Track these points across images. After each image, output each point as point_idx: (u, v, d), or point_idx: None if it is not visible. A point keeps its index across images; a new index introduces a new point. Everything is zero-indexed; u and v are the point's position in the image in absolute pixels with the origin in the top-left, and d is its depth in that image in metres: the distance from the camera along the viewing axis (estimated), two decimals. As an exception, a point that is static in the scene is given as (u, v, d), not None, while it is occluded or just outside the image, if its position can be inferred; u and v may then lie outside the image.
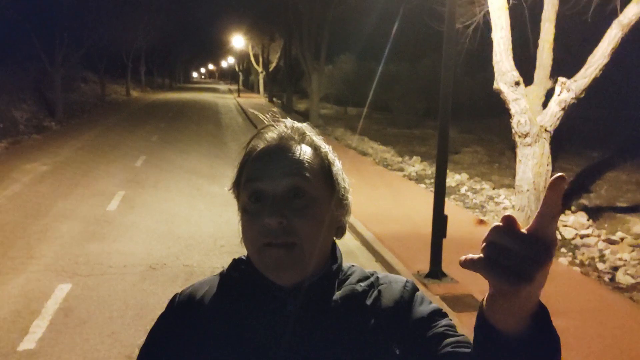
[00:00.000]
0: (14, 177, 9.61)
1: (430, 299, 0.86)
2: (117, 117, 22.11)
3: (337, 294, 0.89)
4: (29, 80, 20.96)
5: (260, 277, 0.87)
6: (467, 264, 0.61)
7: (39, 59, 19.62)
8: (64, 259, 5.71)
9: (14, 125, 16.15)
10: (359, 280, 0.92)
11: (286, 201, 0.83)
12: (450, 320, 0.90)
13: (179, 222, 7.26)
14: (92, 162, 11.43)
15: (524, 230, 0.58)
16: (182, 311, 0.93)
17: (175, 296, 0.98)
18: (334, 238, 0.94)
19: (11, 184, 9.12)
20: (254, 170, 0.87)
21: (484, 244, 0.60)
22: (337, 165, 0.92)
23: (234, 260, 0.95)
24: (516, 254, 0.57)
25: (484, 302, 0.65)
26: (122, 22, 26.23)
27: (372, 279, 0.94)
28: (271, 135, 0.90)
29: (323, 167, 0.89)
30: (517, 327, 0.63)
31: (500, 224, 0.60)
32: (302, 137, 0.90)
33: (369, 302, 0.90)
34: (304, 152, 0.87)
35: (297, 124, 0.92)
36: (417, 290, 0.95)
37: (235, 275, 0.93)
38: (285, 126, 0.91)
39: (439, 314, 0.91)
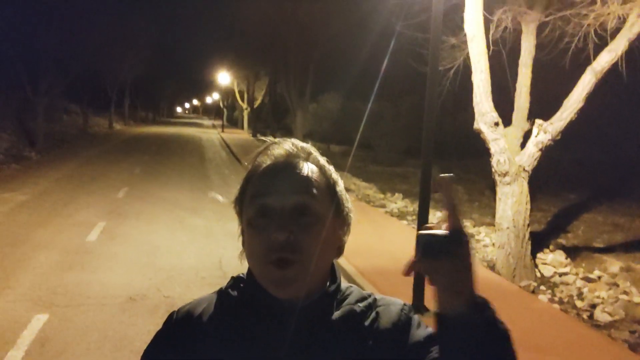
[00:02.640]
0: (-9, 206, 9.44)
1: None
2: (99, 149, 21.98)
3: (336, 314, 0.90)
4: (10, 109, 20.79)
5: (260, 295, 0.88)
6: (408, 270, 0.79)
7: (22, 87, 19.54)
8: (41, 288, 5.59)
9: (-7, 154, 15.94)
10: (358, 301, 0.93)
11: (293, 218, 0.85)
12: None
13: (161, 253, 7.19)
14: (73, 193, 11.30)
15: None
16: (179, 329, 0.93)
17: (172, 313, 0.97)
18: (335, 259, 0.95)
19: (-12, 212, 8.95)
20: (262, 186, 0.88)
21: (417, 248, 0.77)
22: (341, 185, 0.95)
23: (233, 278, 0.96)
24: (439, 240, 0.75)
25: (435, 306, 0.77)
26: (108, 55, 26.42)
27: (370, 300, 0.95)
28: (278, 152, 0.92)
29: (329, 185, 0.91)
30: (460, 308, 0.75)
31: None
32: (308, 156, 0.93)
33: (367, 323, 0.91)
34: (311, 170, 0.89)
35: (303, 143, 0.95)
36: (414, 313, 0.96)
37: (234, 292, 0.93)
38: (292, 144, 0.94)
39: (435, 339, 0.91)
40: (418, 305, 5.16)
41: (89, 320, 4.89)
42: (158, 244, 7.64)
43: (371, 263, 6.91)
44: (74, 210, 9.59)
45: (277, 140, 0.95)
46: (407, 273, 0.78)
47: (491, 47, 7.11)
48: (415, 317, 0.95)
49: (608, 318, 5.48)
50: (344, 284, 0.98)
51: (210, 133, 39.48)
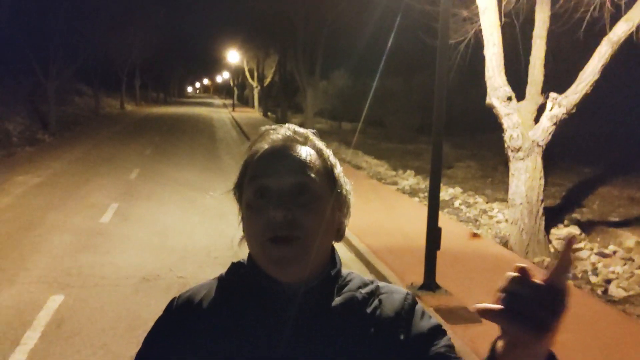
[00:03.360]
0: (6, 189, 9.56)
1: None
2: (111, 131, 22.10)
3: (337, 300, 0.89)
4: (23, 93, 20.95)
5: (260, 281, 0.88)
6: (486, 314, 0.62)
7: (33, 71, 19.65)
8: (56, 270, 5.67)
9: (7, 137, 16.10)
10: (359, 287, 0.93)
11: (291, 197, 0.85)
12: (450, 339, 0.91)
13: (173, 234, 7.24)
14: (86, 175, 11.39)
15: (538, 281, 0.62)
16: (180, 315, 0.93)
17: (173, 300, 0.97)
18: (334, 242, 0.94)
19: (3, 196, 9.07)
20: (260, 168, 0.88)
21: (502, 294, 0.63)
22: (339, 168, 0.94)
23: (233, 263, 0.95)
24: (536, 304, 0.60)
25: (497, 350, 0.67)
26: (117, 36, 26.36)
27: (372, 286, 0.94)
28: (276, 136, 0.92)
29: (326, 168, 0.91)
30: None
31: (516, 274, 0.63)
32: (306, 140, 0.92)
33: (369, 310, 0.90)
34: (309, 153, 0.90)
35: (301, 128, 0.94)
36: (417, 303, 0.95)
37: (234, 278, 0.93)
38: (289, 129, 0.93)
39: (439, 331, 0.91)
40: (430, 283, 5.15)
41: (103, 300, 4.96)
42: (170, 225, 7.70)
43: (383, 241, 6.90)
44: (87, 192, 9.68)
45: (274, 126, 0.95)
46: (481, 313, 0.63)
47: (503, 19, 6.93)
48: (419, 307, 0.94)
49: (623, 293, 5.42)
50: (344, 269, 0.97)
51: (221, 112, 39.48)
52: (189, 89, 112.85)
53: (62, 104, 23.66)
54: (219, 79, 74.18)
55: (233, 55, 36.53)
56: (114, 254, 6.29)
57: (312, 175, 0.87)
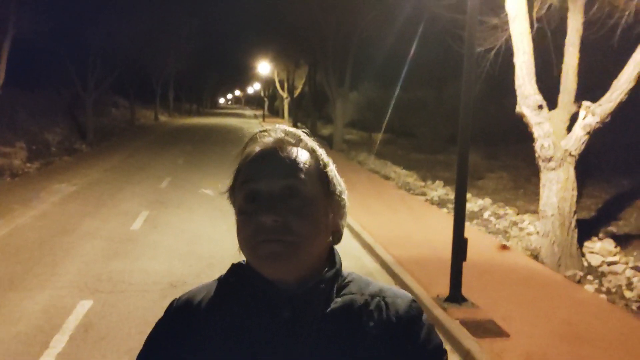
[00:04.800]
0: (42, 197, 9.88)
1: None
2: (145, 141, 22.63)
3: (337, 302, 0.88)
4: (63, 104, 21.71)
5: (258, 282, 0.87)
6: None
7: (73, 84, 20.35)
8: (87, 276, 5.81)
9: (46, 147, 16.68)
10: (360, 290, 0.92)
11: (282, 200, 0.84)
12: None
13: (201, 241, 7.33)
14: (119, 183, 11.68)
15: None
16: (179, 316, 0.93)
17: (172, 302, 0.97)
18: (333, 244, 0.93)
19: (40, 203, 9.38)
20: (250, 172, 0.88)
21: None
22: (332, 167, 0.93)
23: (233, 265, 0.95)
24: None
25: None
26: (153, 49, 27.06)
27: (374, 289, 0.93)
28: (267, 139, 0.91)
29: (318, 168, 0.90)
30: None
31: None
32: (298, 141, 0.91)
33: (372, 313, 0.89)
34: (300, 154, 0.89)
35: (292, 129, 0.93)
36: (423, 313, 0.93)
37: (233, 280, 0.93)
38: (280, 130, 0.92)
39: (442, 353, 0.92)
40: (455, 295, 5.05)
41: (131, 306, 5.05)
42: (199, 232, 7.80)
43: (409, 252, 6.81)
44: (120, 199, 9.92)
45: (266, 128, 0.95)
46: None
47: (535, 26, 6.80)
48: (425, 319, 0.93)
49: (660, 309, 5.19)
50: (345, 270, 0.95)
51: (251, 123, 39.93)
52: (221, 100, 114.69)
53: (100, 115, 24.40)
54: (250, 90, 75.17)
55: (264, 67, 36.98)
56: (143, 261, 6.41)
57: (303, 176, 0.86)
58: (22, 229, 7.63)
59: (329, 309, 0.87)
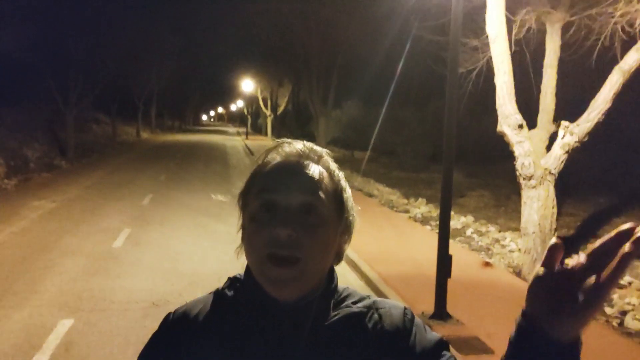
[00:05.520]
0: (22, 214, 9.70)
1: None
2: (127, 157, 22.42)
3: (335, 316, 0.89)
4: (42, 119, 21.41)
5: (256, 296, 0.87)
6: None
7: (53, 99, 20.13)
8: (67, 294, 5.70)
9: (25, 163, 16.40)
10: (356, 302, 0.92)
11: (298, 216, 0.84)
12: (452, 355, 0.91)
13: (183, 259, 7.26)
14: (100, 200, 11.53)
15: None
16: (175, 330, 0.92)
17: (168, 315, 0.96)
18: (333, 265, 0.94)
19: (19, 220, 9.20)
20: (270, 181, 0.87)
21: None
22: (348, 192, 0.93)
23: (229, 278, 0.95)
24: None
25: (535, 315, 0.72)
26: (135, 65, 26.97)
27: (368, 301, 0.94)
28: (290, 150, 0.90)
29: (336, 191, 0.90)
30: (569, 337, 0.71)
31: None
32: (319, 159, 0.91)
33: (368, 325, 0.89)
34: (321, 172, 0.88)
35: (315, 146, 0.93)
36: (416, 317, 0.95)
37: (230, 293, 0.92)
38: (304, 145, 0.92)
39: (444, 344, 0.91)
40: (440, 312, 5.07)
41: (112, 325, 4.96)
42: (181, 250, 7.72)
43: (394, 269, 6.84)
44: (101, 217, 9.78)
45: (289, 140, 0.94)
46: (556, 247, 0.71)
47: (513, 48, 6.99)
48: (419, 321, 0.94)
49: (639, 325, 5.28)
50: (340, 285, 0.96)
51: (234, 140, 39.89)
52: (204, 117, 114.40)
53: (80, 131, 24.12)
54: (233, 107, 75.21)
55: (247, 84, 37.11)
56: (125, 278, 6.31)
57: (322, 195, 0.86)
58: (1, 246, 7.46)
59: (327, 322, 0.88)
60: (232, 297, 0.92)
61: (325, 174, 0.89)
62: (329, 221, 0.86)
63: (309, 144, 0.93)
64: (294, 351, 0.85)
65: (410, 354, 0.89)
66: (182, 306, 0.97)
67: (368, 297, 0.96)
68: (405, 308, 0.95)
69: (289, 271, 0.82)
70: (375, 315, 0.91)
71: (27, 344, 4.46)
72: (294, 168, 0.87)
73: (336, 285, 0.94)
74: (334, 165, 0.93)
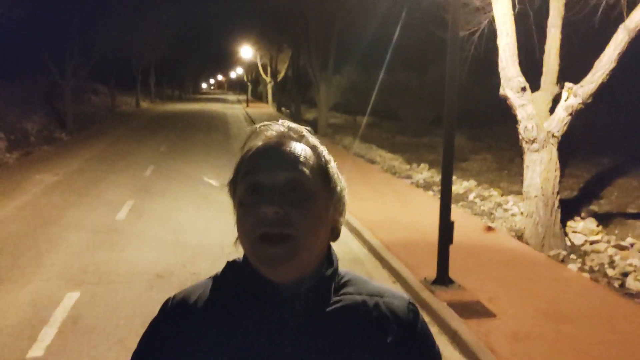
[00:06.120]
0: (24, 188, 9.73)
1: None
2: (127, 128, 22.33)
3: (336, 303, 0.89)
4: (40, 92, 21.24)
5: (255, 280, 0.87)
6: None
7: (50, 71, 19.91)
8: (72, 267, 5.76)
9: (25, 137, 16.35)
10: (358, 289, 0.92)
11: (284, 193, 0.84)
12: None
13: (187, 230, 7.30)
14: (102, 172, 11.53)
15: None
16: (175, 315, 0.92)
17: (168, 300, 0.96)
18: (330, 242, 0.93)
19: (22, 194, 9.23)
20: (253, 164, 0.87)
21: None
22: (333, 165, 0.93)
23: (228, 262, 0.94)
24: None
25: None
26: (131, 34, 26.55)
27: (371, 289, 0.93)
28: (270, 133, 0.91)
29: (320, 165, 0.90)
30: None
31: None
32: (300, 137, 0.91)
33: (369, 313, 0.89)
34: (303, 149, 0.89)
35: (295, 125, 0.93)
36: (420, 314, 0.95)
37: (229, 278, 0.92)
38: (283, 125, 0.92)
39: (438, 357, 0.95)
40: (443, 277, 5.11)
41: (118, 297, 5.02)
42: (184, 221, 7.76)
43: (396, 236, 6.86)
44: (103, 189, 9.80)
45: (268, 122, 0.94)
46: None
47: (517, 7, 6.81)
48: (423, 323, 0.95)
49: (641, 286, 5.32)
50: (341, 268, 0.95)
51: (235, 108, 39.62)
52: (204, 86, 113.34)
53: (79, 103, 23.95)
54: (232, 75, 74.37)
55: (246, 51, 36.58)
56: (129, 251, 6.36)
57: (306, 171, 0.86)
58: (5, 221, 7.51)
59: (328, 309, 0.87)
60: (231, 282, 0.91)
61: (307, 150, 0.89)
62: (316, 195, 0.86)
63: (288, 123, 0.93)
64: (293, 337, 0.84)
65: (407, 352, 0.89)
66: (181, 291, 0.97)
67: (371, 283, 0.95)
68: (409, 302, 0.95)
69: (282, 249, 0.82)
70: (380, 303, 0.91)
71: (35, 318, 4.53)
72: (275, 148, 0.88)
73: (336, 269, 0.93)
74: (315, 140, 0.93)
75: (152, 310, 0.96)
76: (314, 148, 0.91)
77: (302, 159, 0.87)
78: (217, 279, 0.94)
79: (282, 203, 0.82)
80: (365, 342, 0.86)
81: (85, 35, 19.99)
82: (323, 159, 0.91)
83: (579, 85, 6.38)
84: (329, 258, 0.92)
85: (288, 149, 0.87)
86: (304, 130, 0.93)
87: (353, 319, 0.88)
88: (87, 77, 24.47)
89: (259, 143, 0.90)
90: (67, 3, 18.15)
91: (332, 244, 0.94)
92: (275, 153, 0.87)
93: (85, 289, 5.18)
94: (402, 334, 0.89)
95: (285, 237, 0.82)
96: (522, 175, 7.11)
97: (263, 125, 0.92)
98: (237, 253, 0.94)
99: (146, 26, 29.14)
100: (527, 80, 6.70)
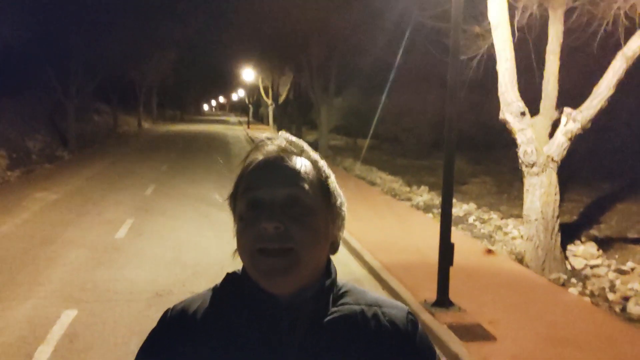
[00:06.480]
0: (24, 206, 9.73)
1: (434, 328, 0.88)
2: (128, 148, 22.42)
3: (335, 313, 0.89)
4: (43, 110, 21.38)
5: (255, 292, 0.87)
6: None
7: (54, 90, 20.08)
8: (71, 285, 5.73)
9: (27, 155, 16.42)
10: (357, 300, 0.93)
11: (284, 208, 0.84)
12: None
13: (187, 249, 7.28)
14: (103, 191, 11.54)
15: None
16: (174, 326, 0.92)
17: (167, 311, 0.96)
18: (329, 254, 0.94)
19: (22, 212, 9.23)
20: (253, 180, 0.88)
21: None
22: (333, 179, 0.94)
23: (228, 274, 0.95)
24: None
25: None
26: (135, 56, 26.85)
27: (370, 299, 0.94)
28: (271, 147, 0.91)
29: (320, 179, 0.90)
30: None
31: None
32: (301, 151, 0.92)
33: (368, 323, 0.90)
34: (303, 164, 0.89)
35: (295, 139, 0.94)
36: (419, 325, 0.95)
37: (228, 290, 0.92)
38: (284, 139, 0.93)
39: None
40: (443, 299, 5.08)
41: (116, 315, 4.98)
42: (184, 240, 7.74)
43: (396, 257, 6.84)
44: (103, 207, 9.80)
45: (270, 136, 0.95)
46: None
47: (516, 34, 6.92)
48: (421, 332, 0.94)
49: (642, 311, 5.29)
50: (340, 280, 0.96)
51: (236, 130, 39.82)
52: (205, 107, 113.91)
53: (81, 122, 24.08)
54: (234, 96, 74.84)
55: (248, 74, 36.92)
56: (128, 269, 6.34)
57: (306, 186, 0.86)
58: (4, 238, 7.50)
59: (326, 319, 0.88)
60: (230, 293, 0.92)
61: (307, 164, 0.90)
62: (316, 210, 0.87)
63: (289, 138, 0.94)
64: (292, 348, 0.85)
65: (410, 357, 0.90)
66: (180, 302, 0.97)
67: (369, 293, 0.96)
68: (408, 312, 0.95)
69: (282, 260, 0.82)
70: (379, 312, 0.91)
71: (31, 336, 4.49)
72: (275, 163, 0.88)
73: (334, 280, 0.93)
74: (315, 155, 0.94)
75: (150, 329, 0.96)
76: (314, 162, 0.92)
77: (302, 174, 0.87)
78: (216, 290, 0.95)
79: (282, 218, 0.83)
80: (364, 352, 0.87)
81: (90, 54, 20.21)
82: (323, 174, 0.91)
83: (577, 110, 6.45)
84: (327, 269, 0.93)
85: (288, 164, 0.88)
86: (304, 144, 0.94)
87: (352, 329, 0.88)
88: (90, 96, 24.68)
89: (260, 157, 0.90)
90: (72, 23, 18.40)
91: (331, 258, 0.95)
92: (275, 168, 0.87)
93: (83, 307, 5.15)
94: (400, 344, 0.89)
95: (287, 249, 0.83)
96: (521, 198, 7.13)
97: (263, 140, 0.93)
98: (237, 266, 0.95)
99: (150, 47, 29.45)
100: (526, 104, 6.77)
